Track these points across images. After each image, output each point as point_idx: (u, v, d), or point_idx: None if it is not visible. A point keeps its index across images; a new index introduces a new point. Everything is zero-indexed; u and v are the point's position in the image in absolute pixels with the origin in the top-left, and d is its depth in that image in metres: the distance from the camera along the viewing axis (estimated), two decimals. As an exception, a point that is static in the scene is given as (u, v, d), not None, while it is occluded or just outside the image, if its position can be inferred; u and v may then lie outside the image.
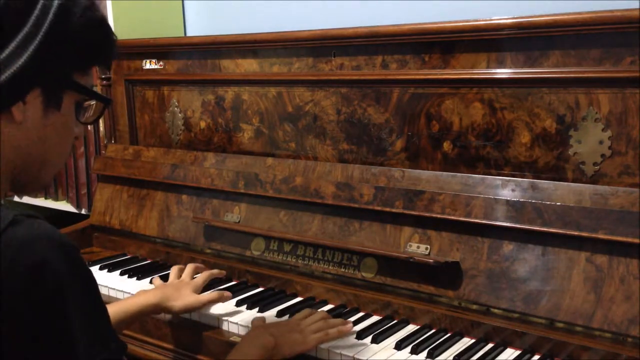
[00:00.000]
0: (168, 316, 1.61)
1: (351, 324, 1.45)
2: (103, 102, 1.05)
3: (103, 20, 1.00)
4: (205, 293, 1.61)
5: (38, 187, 1.05)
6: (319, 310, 1.56)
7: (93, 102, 1.03)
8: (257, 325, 1.43)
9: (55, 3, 0.92)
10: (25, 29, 0.89)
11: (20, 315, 0.82)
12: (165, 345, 1.65)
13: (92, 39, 0.98)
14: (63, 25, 0.92)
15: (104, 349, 0.89)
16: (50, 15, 0.91)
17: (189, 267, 1.69)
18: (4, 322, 0.81)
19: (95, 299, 0.91)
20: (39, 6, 0.91)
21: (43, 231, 0.85)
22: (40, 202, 2.63)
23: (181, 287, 1.58)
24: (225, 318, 1.56)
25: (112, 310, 1.40)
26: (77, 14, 0.95)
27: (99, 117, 1.07)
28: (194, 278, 1.66)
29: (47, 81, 0.94)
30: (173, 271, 1.70)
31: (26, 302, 0.82)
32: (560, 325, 1.34)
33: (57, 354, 0.85)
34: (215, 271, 1.72)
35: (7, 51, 0.88)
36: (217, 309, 1.60)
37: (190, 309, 1.56)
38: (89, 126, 2.42)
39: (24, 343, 0.83)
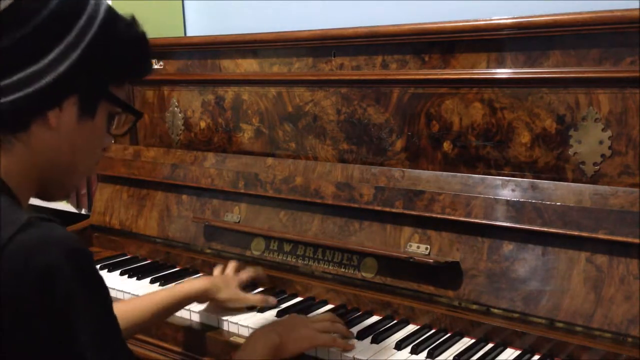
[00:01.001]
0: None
1: (354, 345, 1.40)
2: (135, 115, 1.07)
3: (144, 37, 1.04)
4: (252, 293, 1.65)
5: (62, 195, 1.07)
6: (322, 310, 1.56)
7: (124, 117, 1.07)
8: (264, 324, 1.44)
9: (101, 16, 0.95)
10: (69, 38, 0.92)
11: (29, 321, 0.82)
12: (165, 345, 1.65)
13: (131, 53, 1.02)
14: (106, 38, 0.96)
15: (113, 358, 0.90)
16: (95, 27, 0.94)
17: (232, 263, 1.70)
18: (12, 326, 0.81)
19: (105, 310, 0.91)
20: (84, 17, 0.94)
21: (56, 236, 0.86)
22: (40, 202, 2.63)
23: (229, 280, 1.61)
24: (225, 318, 1.56)
25: (159, 296, 1.51)
26: (120, 29, 0.99)
27: (129, 130, 1.11)
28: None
29: (85, 89, 0.96)
30: (217, 269, 1.70)
31: (35, 307, 0.82)
32: (560, 325, 1.34)
33: (62, 358, 0.85)
34: (260, 272, 1.71)
35: (50, 57, 0.91)
36: (217, 309, 1.60)
37: (234, 303, 1.58)
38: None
39: (30, 349, 0.83)
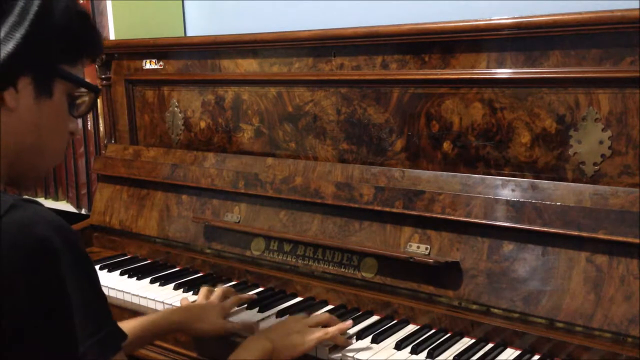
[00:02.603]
0: None
1: (351, 321, 1.43)
2: (91, 90, 1.07)
3: (85, 14, 1.05)
4: (233, 321, 1.53)
5: (35, 178, 1.08)
6: (322, 310, 1.56)
7: (85, 98, 1.07)
8: (258, 329, 1.43)
9: None
10: (12, 18, 0.94)
11: (21, 295, 0.84)
12: (164, 345, 1.65)
13: (75, 30, 1.02)
14: (47, 16, 0.97)
15: (99, 331, 0.91)
16: (35, 6, 0.95)
17: (219, 290, 1.62)
18: (5, 301, 0.83)
19: (92, 282, 0.93)
20: None
21: (42, 214, 0.89)
22: (40, 201, 2.63)
23: (209, 310, 1.51)
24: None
25: (141, 322, 1.42)
26: (60, 6, 0.99)
27: (90, 109, 1.10)
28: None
29: (36, 69, 0.97)
30: (202, 292, 1.62)
31: (26, 282, 0.84)
32: (560, 325, 1.34)
33: (55, 332, 0.87)
34: (245, 296, 1.65)
35: None
36: (217, 309, 1.59)
37: (215, 334, 1.50)
38: (88, 126, 2.42)
39: (23, 322, 0.85)
